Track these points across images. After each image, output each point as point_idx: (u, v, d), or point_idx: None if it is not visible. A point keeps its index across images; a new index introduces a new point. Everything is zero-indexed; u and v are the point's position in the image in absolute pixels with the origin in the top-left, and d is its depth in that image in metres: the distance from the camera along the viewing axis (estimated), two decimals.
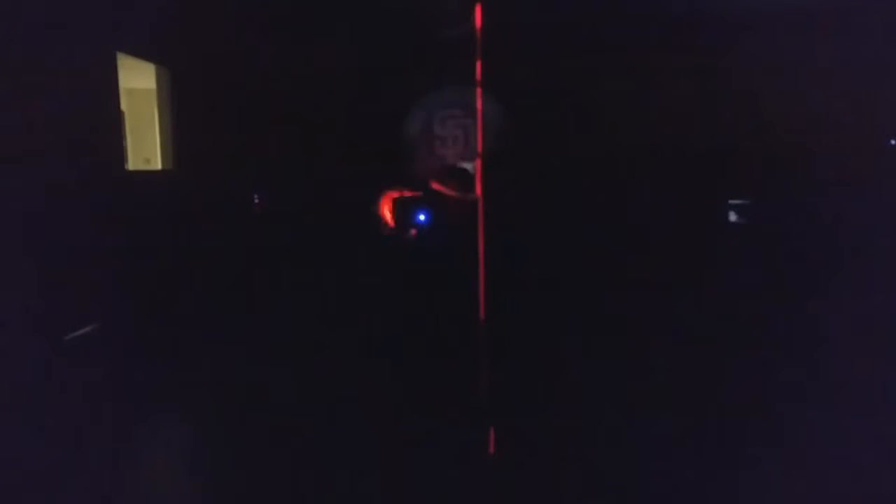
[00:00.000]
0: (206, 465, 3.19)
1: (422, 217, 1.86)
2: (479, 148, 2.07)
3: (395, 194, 1.88)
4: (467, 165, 2.05)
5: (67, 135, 4.50)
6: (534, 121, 3.61)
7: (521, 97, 3.54)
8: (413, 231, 1.87)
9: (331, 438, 3.27)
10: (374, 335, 3.57)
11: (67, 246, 4.29)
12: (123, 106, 6.11)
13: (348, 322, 3.63)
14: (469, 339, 3.45)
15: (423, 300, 3.48)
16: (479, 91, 2.47)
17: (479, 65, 2.84)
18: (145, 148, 7.16)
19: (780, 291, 3.75)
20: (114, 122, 5.44)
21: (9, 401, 3.29)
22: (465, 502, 3.13)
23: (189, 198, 5.68)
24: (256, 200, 6.19)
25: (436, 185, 1.97)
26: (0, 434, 3.02)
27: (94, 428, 3.32)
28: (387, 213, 1.92)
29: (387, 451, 3.22)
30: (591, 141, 3.80)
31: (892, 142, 5.27)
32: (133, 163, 7.26)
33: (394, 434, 3.29)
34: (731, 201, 4.32)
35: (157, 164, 6.43)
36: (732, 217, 4.20)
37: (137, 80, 6.27)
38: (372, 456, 3.21)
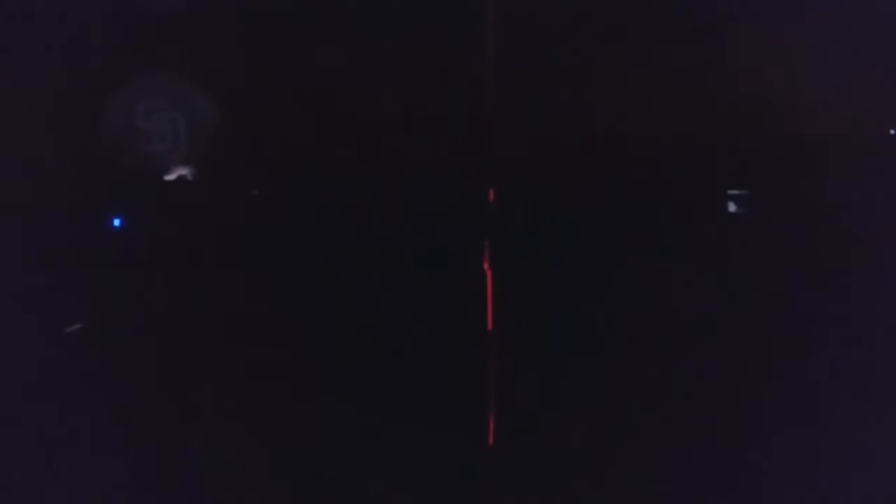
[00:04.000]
0: (201, 461, 3.21)
1: (116, 223, 1.74)
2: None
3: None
4: (183, 171, 1.88)
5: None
6: (535, 119, 3.58)
7: (521, 93, 3.51)
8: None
9: (329, 431, 3.29)
10: (375, 330, 3.58)
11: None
12: None
13: (348, 316, 3.64)
14: (473, 336, 3.48)
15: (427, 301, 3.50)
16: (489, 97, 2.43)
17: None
18: None
19: (782, 284, 3.75)
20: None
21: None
22: (464, 494, 3.16)
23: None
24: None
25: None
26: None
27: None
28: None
29: (385, 443, 3.24)
30: (591, 134, 3.79)
31: (893, 132, 5.23)
32: None
33: (392, 426, 3.31)
34: (730, 191, 4.30)
35: None
36: (732, 207, 4.19)
37: None
38: (371, 449, 3.23)
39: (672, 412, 3.34)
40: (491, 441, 3.37)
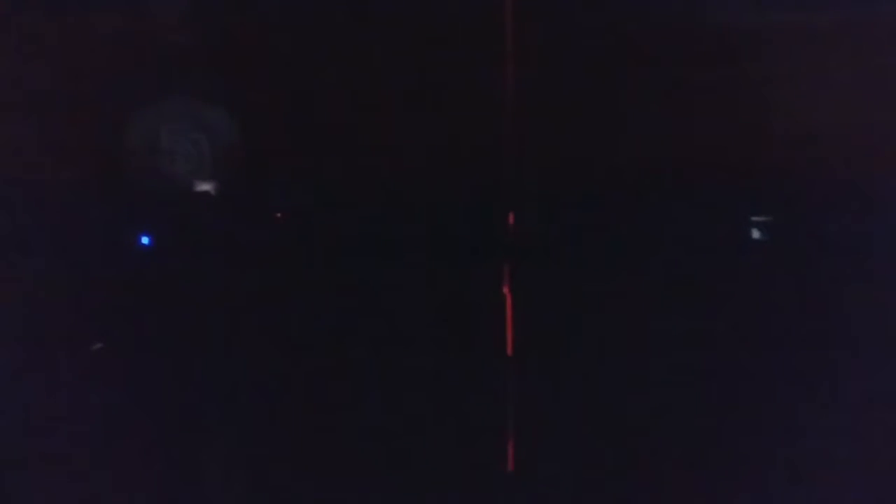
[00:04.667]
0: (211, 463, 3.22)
1: (144, 241, 1.77)
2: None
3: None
4: (206, 186, 1.91)
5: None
6: (556, 142, 3.60)
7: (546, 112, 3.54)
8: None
9: (345, 455, 3.28)
10: (393, 352, 3.58)
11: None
12: None
13: (367, 339, 3.64)
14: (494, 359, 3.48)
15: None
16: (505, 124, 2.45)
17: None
18: None
19: (804, 310, 3.70)
20: None
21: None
22: None
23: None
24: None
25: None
26: None
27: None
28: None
29: (404, 467, 3.22)
30: (612, 157, 3.79)
31: None
32: None
33: (411, 450, 3.29)
34: (753, 218, 4.27)
35: None
36: (756, 234, 4.16)
37: None
38: (388, 473, 3.21)
39: (699, 439, 3.29)
40: (511, 466, 3.33)
